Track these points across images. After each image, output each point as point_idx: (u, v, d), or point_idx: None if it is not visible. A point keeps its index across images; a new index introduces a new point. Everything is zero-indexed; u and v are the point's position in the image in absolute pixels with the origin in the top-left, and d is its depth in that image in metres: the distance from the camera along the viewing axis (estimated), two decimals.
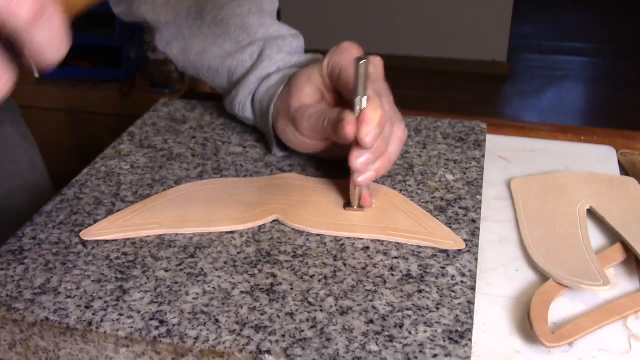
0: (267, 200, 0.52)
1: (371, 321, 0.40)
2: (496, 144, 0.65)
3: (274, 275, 0.44)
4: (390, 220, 0.50)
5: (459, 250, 0.47)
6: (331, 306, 0.41)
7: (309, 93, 0.54)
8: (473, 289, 0.43)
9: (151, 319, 0.40)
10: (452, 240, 0.47)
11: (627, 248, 0.49)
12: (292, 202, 0.52)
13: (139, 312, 0.41)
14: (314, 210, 0.51)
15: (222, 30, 0.63)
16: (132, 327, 0.40)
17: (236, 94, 0.61)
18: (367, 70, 0.45)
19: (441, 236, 0.48)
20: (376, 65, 0.52)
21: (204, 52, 0.64)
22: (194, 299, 0.42)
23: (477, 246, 0.47)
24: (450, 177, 0.56)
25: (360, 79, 0.45)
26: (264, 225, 0.49)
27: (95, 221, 0.50)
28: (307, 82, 0.54)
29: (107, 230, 0.49)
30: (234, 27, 0.63)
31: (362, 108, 0.46)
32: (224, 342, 0.38)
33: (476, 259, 0.46)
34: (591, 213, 0.54)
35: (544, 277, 0.47)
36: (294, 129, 0.54)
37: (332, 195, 0.53)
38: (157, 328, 0.40)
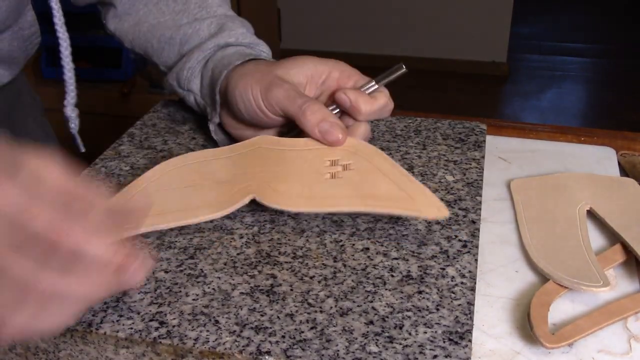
0: (242, 175, 0.50)
1: (371, 322, 0.40)
2: (496, 144, 0.65)
3: (273, 276, 0.44)
4: (371, 186, 0.47)
5: (459, 251, 0.47)
6: (331, 307, 0.41)
7: (303, 72, 0.55)
8: (473, 290, 0.43)
9: (151, 320, 0.40)
10: (434, 207, 0.45)
11: (627, 249, 0.49)
12: (268, 174, 0.49)
13: (138, 313, 0.41)
14: (291, 184, 0.48)
15: (180, 7, 0.64)
16: (132, 328, 0.40)
17: (188, 59, 0.61)
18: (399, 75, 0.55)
19: (423, 203, 0.46)
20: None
21: (158, 24, 0.65)
22: (193, 300, 0.42)
23: (477, 247, 0.47)
24: (450, 178, 0.56)
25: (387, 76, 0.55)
26: (263, 226, 0.49)
27: None
28: (312, 64, 0.55)
29: None
30: (194, 4, 0.64)
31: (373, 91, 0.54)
32: (223, 343, 0.38)
33: (476, 260, 0.46)
34: (591, 214, 0.54)
35: (543, 278, 0.47)
36: (258, 94, 0.53)
37: (309, 157, 0.50)
38: (157, 329, 0.40)
